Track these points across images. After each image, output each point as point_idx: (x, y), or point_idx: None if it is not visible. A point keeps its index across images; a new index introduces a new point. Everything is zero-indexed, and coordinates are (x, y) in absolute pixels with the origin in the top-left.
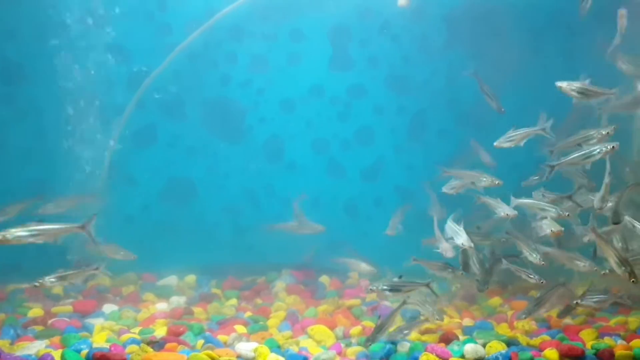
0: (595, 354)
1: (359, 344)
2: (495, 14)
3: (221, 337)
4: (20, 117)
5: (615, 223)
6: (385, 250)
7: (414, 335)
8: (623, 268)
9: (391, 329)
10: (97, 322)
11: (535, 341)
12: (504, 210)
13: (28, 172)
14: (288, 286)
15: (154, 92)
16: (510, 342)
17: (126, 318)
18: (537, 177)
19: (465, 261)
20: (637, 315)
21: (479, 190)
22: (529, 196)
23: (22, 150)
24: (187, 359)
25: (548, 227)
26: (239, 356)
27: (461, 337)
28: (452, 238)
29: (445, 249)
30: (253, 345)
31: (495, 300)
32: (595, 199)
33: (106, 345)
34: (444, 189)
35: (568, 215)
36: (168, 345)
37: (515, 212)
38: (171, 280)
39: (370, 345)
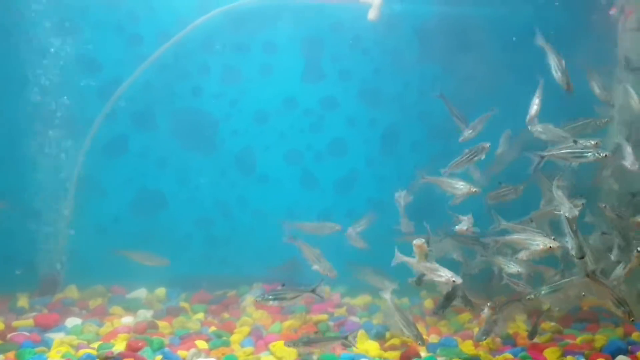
0: None
1: None
2: (467, 28)
3: (181, 353)
4: None
5: (580, 258)
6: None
7: (376, 351)
8: (622, 308)
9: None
10: (57, 337)
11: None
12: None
13: None
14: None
15: (124, 102)
16: None
17: (88, 332)
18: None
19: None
20: (604, 333)
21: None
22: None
23: None
24: None
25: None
26: None
27: (423, 354)
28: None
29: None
30: None
31: (465, 316)
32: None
33: None
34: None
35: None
36: None
37: None
38: (140, 293)
39: None
